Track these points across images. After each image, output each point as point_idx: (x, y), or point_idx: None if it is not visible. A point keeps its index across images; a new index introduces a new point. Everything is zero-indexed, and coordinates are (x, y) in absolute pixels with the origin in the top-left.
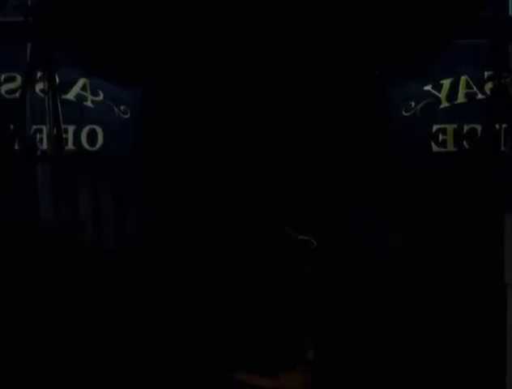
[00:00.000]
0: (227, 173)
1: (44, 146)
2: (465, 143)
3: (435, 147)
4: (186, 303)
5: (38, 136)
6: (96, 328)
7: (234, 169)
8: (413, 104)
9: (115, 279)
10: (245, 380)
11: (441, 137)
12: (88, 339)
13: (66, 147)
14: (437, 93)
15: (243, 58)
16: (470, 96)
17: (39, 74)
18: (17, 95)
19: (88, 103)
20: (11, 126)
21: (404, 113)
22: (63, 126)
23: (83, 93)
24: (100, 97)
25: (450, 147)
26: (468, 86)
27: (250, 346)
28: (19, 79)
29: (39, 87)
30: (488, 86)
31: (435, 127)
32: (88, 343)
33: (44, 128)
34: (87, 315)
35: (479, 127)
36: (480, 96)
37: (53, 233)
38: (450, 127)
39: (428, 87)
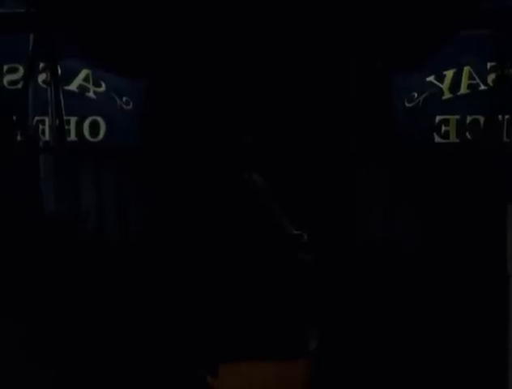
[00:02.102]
0: (229, 164)
1: (47, 137)
2: (468, 134)
3: (437, 138)
4: (187, 294)
5: (40, 127)
6: (97, 318)
7: (237, 160)
8: (416, 95)
9: (117, 267)
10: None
11: (443, 128)
12: (90, 329)
13: (69, 138)
14: (439, 84)
15: (246, 50)
16: (473, 87)
17: (41, 65)
18: (19, 86)
19: (91, 94)
20: (14, 117)
21: (407, 104)
22: (65, 117)
23: (86, 84)
24: (103, 88)
25: (453, 138)
26: (471, 77)
27: (252, 335)
28: (21, 70)
29: (41, 78)
30: (491, 77)
31: (438, 118)
32: (90, 332)
33: (46, 119)
34: (88, 304)
35: (481, 118)
36: (482, 86)
37: (55, 223)
38: (453, 118)
39: (430, 78)
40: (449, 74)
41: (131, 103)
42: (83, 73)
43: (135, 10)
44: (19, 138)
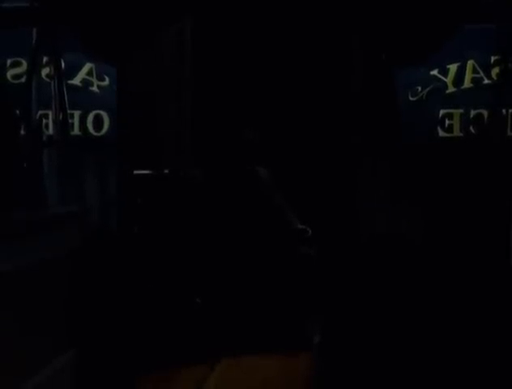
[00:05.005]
0: (232, 157)
1: (50, 131)
2: (471, 128)
3: (441, 132)
4: (190, 287)
5: (44, 121)
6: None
7: (240, 154)
8: (420, 88)
9: (119, 261)
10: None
11: (447, 122)
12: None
13: (72, 133)
14: (443, 78)
15: (249, 44)
16: (476, 81)
17: (44, 59)
18: (23, 80)
19: (94, 88)
20: (17, 111)
21: (411, 98)
22: (69, 111)
23: (89, 78)
24: (106, 82)
25: (457, 132)
26: (475, 71)
27: (255, 328)
28: (24, 64)
29: (44, 72)
30: (495, 71)
31: (441, 112)
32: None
33: (49, 113)
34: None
35: (485, 112)
36: (486, 80)
37: (58, 217)
38: (457, 112)
39: (434, 72)
40: (452, 68)
41: None
42: (87, 67)
43: (138, 4)
44: (22, 132)
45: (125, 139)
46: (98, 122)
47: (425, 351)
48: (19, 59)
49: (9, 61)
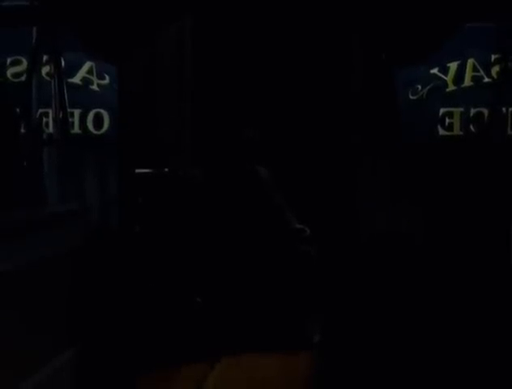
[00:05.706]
0: (232, 156)
1: (50, 129)
2: (472, 127)
3: (442, 131)
4: (189, 286)
5: (44, 120)
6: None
7: (240, 153)
8: (420, 87)
9: (120, 260)
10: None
11: (447, 120)
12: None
13: (72, 131)
14: (443, 76)
15: (249, 43)
16: (477, 80)
17: (45, 57)
18: (23, 78)
19: (94, 86)
20: (17, 110)
21: (411, 97)
22: (69, 110)
23: (89, 77)
24: (106, 81)
25: (457, 131)
26: (475, 69)
27: (254, 327)
28: (24, 62)
29: (45, 70)
30: (495, 69)
31: (442, 111)
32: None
33: (50, 111)
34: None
35: (485, 111)
36: (486, 79)
37: (59, 216)
38: (457, 111)
39: (434, 71)
40: (453, 66)
41: None
42: (87, 65)
43: (138, 3)
44: (22, 130)
45: (126, 138)
46: (98, 121)
47: (426, 350)
48: (19, 58)
49: (9, 60)
